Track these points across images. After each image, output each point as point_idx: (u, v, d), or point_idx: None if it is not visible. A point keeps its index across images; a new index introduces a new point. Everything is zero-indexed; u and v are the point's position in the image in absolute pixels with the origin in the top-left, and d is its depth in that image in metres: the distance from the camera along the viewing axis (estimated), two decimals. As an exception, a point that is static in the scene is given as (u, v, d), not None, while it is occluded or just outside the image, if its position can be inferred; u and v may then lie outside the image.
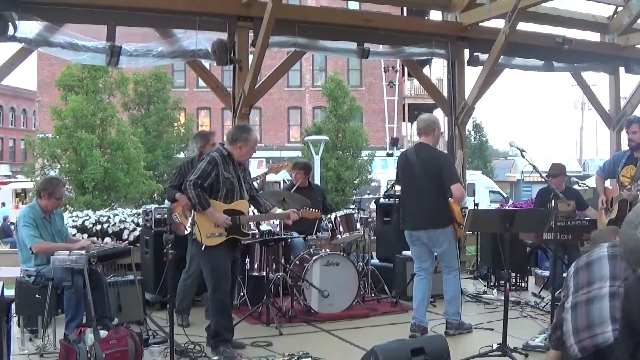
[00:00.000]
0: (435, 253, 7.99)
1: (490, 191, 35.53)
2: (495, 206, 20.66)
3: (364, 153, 32.17)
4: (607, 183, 9.04)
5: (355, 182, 31.05)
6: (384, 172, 32.53)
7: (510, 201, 30.43)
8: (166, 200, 10.13)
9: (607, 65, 14.02)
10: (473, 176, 32.10)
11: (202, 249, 7.04)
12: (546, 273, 10.72)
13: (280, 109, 46.89)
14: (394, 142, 41.99)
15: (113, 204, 24.08)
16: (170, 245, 6.28)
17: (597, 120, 51.78)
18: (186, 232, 8.18)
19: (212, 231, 6.99)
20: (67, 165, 25.29)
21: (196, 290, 8.72)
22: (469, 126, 47.00)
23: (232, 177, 7.15)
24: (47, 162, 26.23)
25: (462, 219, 7.77)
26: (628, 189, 7.97)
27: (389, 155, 38.29)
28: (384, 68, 44.20)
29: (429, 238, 7.81)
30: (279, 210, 7.60)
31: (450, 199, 7.78)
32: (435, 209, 7.71)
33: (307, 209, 8.15)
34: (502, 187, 42.00)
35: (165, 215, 9.09)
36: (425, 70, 41.64)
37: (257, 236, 8.98)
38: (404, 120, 47.79)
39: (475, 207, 11.35)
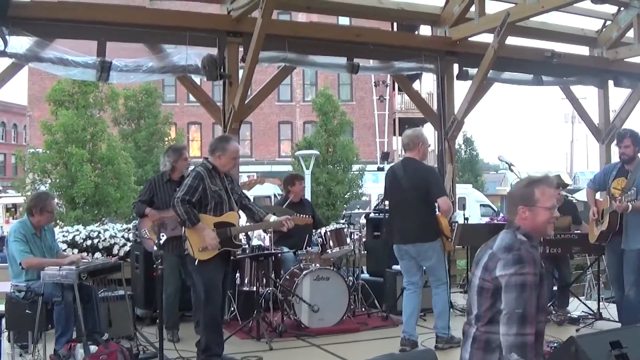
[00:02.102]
0: (424, 267, 8.02)
1: (480, 205, 35.61)
2: (486, 220, 20.72)
3: (355, 167, 32.20)
4: (598, 195, 9.07)
5: (346, 196, 31.08)
6: (374, 186, 32.56)
7: (501, 215, 30.50)
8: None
9: (596, 79, 14.08)
10: (464, 190, 32.13)
11: (195, 263, 7.04)
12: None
13: (271, 124, 46.90)
14: (385, 157, 41.85)
15: (103, 218, 24.07)
16: (160, 261, 6.29)
17: (587, 134, 51.84)
18: (155, 248, 8.18)
19: (204, 245, 7.00)
20: (57, 180, 25.28)
21: (184, 305, 8.72)
22: (460, 140, 47.07)
23: (220, 190, 7.17)
24: (37, 177, 26.20)
25: (450, 232, 7.81)
26: (619, 200, 7.99)
27: (380, 169, 38.16)
28: (375, 82, 44.30)
29: (417, 252, 7.83)
30: (273, 218, 7.53)
31: (437, 212, 7.83)
32: (423, 223, 7.74)
33: (297, 215, 8.10)
34: (492, 200, 42.05)
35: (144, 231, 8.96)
36: (416, 85, 41.74)
37: (248, 251, 8.99)
38: (394, 135, 47.80)
39: (465, 221, 11.39)
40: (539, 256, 4.32)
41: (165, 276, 7.94)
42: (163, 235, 7.94)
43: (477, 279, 4.29)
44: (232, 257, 7.55)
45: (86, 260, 7.87)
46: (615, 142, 8.70)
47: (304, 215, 8.16)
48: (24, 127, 57.75)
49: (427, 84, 44.87)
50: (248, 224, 8.01)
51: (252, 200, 7.97)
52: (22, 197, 27.89)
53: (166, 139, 33.84)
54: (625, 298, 8.19)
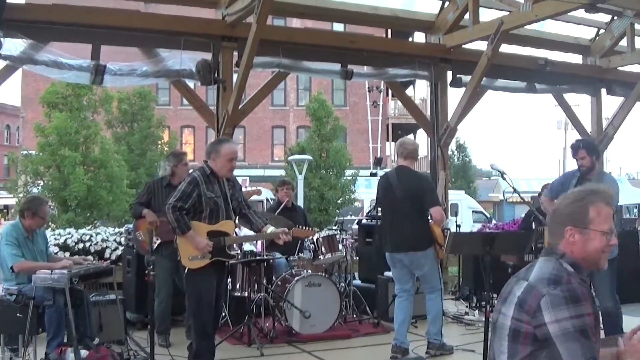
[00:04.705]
0: (416, 275, 8.03)
1: (473, 211, 35.64)
2: (478, 226, 20.75)
3: (348, 172, 32.19)
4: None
5: (339, 201, 31.05)
6: (367, 191, 32.54)
7: (493, 221, 30.58)
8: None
9: (589, 87, 14.16)
10: (456, 196, 32.18)
11: (186, 272, 6.96)
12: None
13: (265, 128, 46.87)
14: (378, 162, 41.95)
15: (96, 221, 24.01)
16: (152, 267, 6.28)
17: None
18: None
19: (194, 254, 6.84)
20: (50, 182, 25.22)
21: (175, 310, 8.72)
22: (452, 146, 47.18)
23: (217, 197, 6.96)
24: (30, 179, 26.16)
25: (444, 240, 7.81)
26: None
27: (373, 174, 38.24)
28: (368, 88, 44.36)
29: (410, 260, 7.84)
30: (270, 229, 7.29)
31: (430, 220, 7.84)
32: (416, 232, 7.74)
33: (299, 227, 8.07)
34: (485, 207, 42.14)
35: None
36: (409, 91, 41.80)
37: (240, 256, 8.97)
38: (387, 140, 47.85)
39: (458, 228, 11.41)
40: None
41: (158, 281, 7.96)
42: (157, 240, 7.95)
43: (507, 319, 3.32)
44: (226, 266, 7.40)
45: (87, 262, 7.92)
46: (571, 153, 8.51)
47: (305, 227, 8.15)
48: (17, 128, 57.61)
49: (420, 90, 44.94)
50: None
51: None
52: (15, 198, 27.80)
53: (159, 142, 33.79)
54: (603, 311, 8.00)
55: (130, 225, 9.93)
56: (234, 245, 7.80)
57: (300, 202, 22.99)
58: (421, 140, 46.01)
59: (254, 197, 10.48)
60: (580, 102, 23.40)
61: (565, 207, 3.42)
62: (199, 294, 6.90)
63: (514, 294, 3.33)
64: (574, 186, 8.17)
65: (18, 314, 7.13)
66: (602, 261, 3.39)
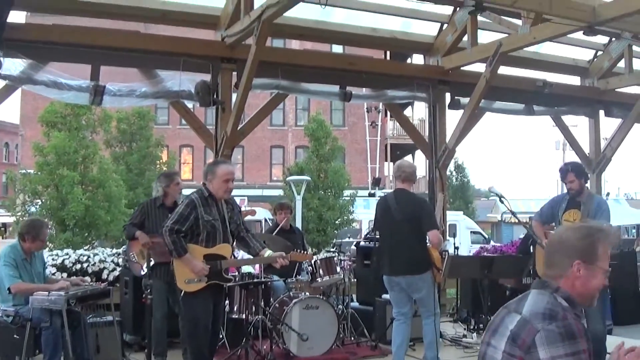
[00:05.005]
0: (414, 298, 8.01)
1: (471, 232, 35.66)
2: (476, 247, 20.70)
3: (346, 193, 32.18)
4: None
5: (337, 222, 31.03)
6: (365, 212, 32.55)
7: (492, 242, 30.54)
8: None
9: (587, 109, 14.19)
10: (454, 217, 32.20)
11: (182, 295, 6.92)
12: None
13: (263, 148, 46.92)
14: (376, 182, 42.00)
15: (93, 241, 24.00)
16: (149, 291, 6.26)
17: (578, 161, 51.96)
18: (142, 272, 8.12)
19: (190, 277, 6.79)
20: (48, 202, 25.21)
21: (172, 332, 8.68)
22: (451, 167, 47.23)
23: (214, 220, 6.92)
24: (28, 199, 26.15)
25: (442, 263, 7.81)
26: None
27: (371, 195, 38.29)
28: (367, 108, 44.52)
29: (407, 284, 7.83)
30: (267, 253, 7.24)
31: (428, 243, 7.84)
32: (414, 255, 7.74)
33: (297, 251, 8.05)
34: (483, 227, 42.13)
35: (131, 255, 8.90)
36: (408, 111, 41.91)
37: (237, 279, 8.94)
38: (386, 160, 47.92)
39: (456, 250, 11.39)
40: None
41: (153, 302, 7.94)
42: (152, 261, 7.93)
43: (498, 352, 3.26)
44: (224, 289, 7.33)
45: (85, 283, 7.92)
46: (560, 177, 8.56)
47: (304, 251, 8.15)
48: (16, 146, 57.64)
49: (419, 111, 45.05)
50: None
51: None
52: (12, 217, 27.76)
53: (158, 162, 33.79)
54: (591, 333, 7.99)
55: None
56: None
57: (298, 223, 22.99)
58: (419, 160, 46.01)
59: (249, 217, 10.47)
60: (578, 122, 23.48)
61: (577, 240, 3.34)
62: (195, 317, 6.86)
63: (505, 327, 3.27)
64: (564, 209, 8.23)
65: (15, 336, 7.15)
66: (595, 298, 3.38)
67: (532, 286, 3.44)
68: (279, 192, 33.32)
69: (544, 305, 3.22)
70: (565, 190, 8.44)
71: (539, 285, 3.40)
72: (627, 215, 36.68)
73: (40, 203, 25.65)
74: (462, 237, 30.80)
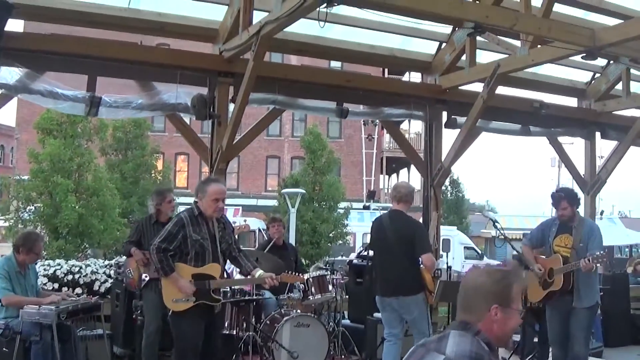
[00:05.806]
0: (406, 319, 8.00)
1: (465, 247, 35.66)
2: (470, 262, 20.72)
3: (341, 205, 32.18)
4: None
5: (331, 235, 31.00)
6: (359, 225, 32.57)
7: (485, 258, 30.55)
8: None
9: (584, 131, 14.17)
10: (448, 232, 32.17)
11: (170, 314, 6.87)
12: (516, 338, 10.67)
13: (259, 158, 46.98)
14: (371, 195, 42.09)
15: (86, 250, 23.93)
16: (140, 312, 6.24)
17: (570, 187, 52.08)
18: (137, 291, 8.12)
19: (178, 296, 6.72)
20: (41, 209, 25.14)
21: (163, 345, 8.64)
22: (446, 182, 47.21)
23: (203, 239, 6.84)
24: (21, 205, 26.09)
25: (434, 285, 7.81)
26: (586, 261, 7.80)
27: (366, 207, 38.36)
28: (364, 121, 44.57)
29: (399, 305, 7.83)
30: (258, 274, 7.12)
31: (421, 265, 7.83)
32: (407, 277, 7.74)
33: (289, 272, 8.01)
34: (477, 242, 42.17)
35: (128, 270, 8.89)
36: (404, 124, 42.01)
37: (229, 295, 8.90)
38: (381, 173, 48.03)
39: (449, 269, 11.36)
40: None
41: (148, 315, 7.94)
42: (146, 277, 7.94)
43: None
44: (214, 308, 7.13)
45: (72, 298, 7.89)
46: (552, 202, 8.54)
47: (294, 272, 8.14)
48: (12, 149, 57.62)
49: (415, 124, 45.17)
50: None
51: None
52: (6, 222, 27.56)
53: (153, 171, 33.74)
54: (574, 355, 7.99)
55: (122, 259, 9.96)
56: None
57: (292, 235, 22.96)
58: (415, 174, 46.12)
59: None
60: (573, 139, 23.49)
61: (492, 285, 3.39)
62: (183, 336, 6.80)
63: None
64: (555, 234, 8.23)
65: (4, 349, 7.13)
66: (510, 340, 3.44)
67: (452, 326, 3.45)
68: (273, 203, 33.34)
69: (469, 348, 3.23)
70: (554, 214, 8.45)
71: (459, 327, 3.39)
72: (621, 236, 36.71)
73: (33, 210, 25.58)
74: (455, 252, 30.83)
